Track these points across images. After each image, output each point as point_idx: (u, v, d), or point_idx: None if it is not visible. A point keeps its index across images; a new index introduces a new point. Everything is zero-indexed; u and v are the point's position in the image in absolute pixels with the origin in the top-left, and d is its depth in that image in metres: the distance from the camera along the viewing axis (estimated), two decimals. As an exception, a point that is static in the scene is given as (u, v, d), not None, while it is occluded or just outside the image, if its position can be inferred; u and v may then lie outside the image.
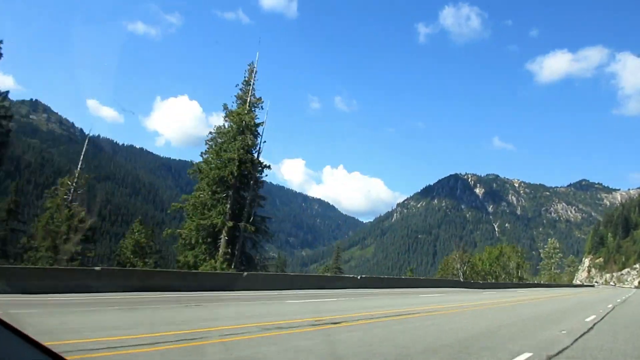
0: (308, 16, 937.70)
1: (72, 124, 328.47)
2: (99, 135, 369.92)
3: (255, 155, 37.18)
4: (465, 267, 77.99)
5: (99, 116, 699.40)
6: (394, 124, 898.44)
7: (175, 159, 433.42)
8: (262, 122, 38.01)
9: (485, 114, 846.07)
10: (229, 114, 37.10)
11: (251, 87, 37.88)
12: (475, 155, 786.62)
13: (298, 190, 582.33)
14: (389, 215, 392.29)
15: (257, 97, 38.44)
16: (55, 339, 5.93)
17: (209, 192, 35.26)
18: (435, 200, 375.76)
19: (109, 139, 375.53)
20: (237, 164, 34.76)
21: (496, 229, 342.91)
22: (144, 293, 15.36)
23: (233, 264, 34.10)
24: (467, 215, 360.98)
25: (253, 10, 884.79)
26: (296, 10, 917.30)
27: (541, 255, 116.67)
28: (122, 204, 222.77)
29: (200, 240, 34.51)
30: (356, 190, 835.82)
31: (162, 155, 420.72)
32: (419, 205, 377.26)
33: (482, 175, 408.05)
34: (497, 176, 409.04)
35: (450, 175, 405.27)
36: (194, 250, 34.08)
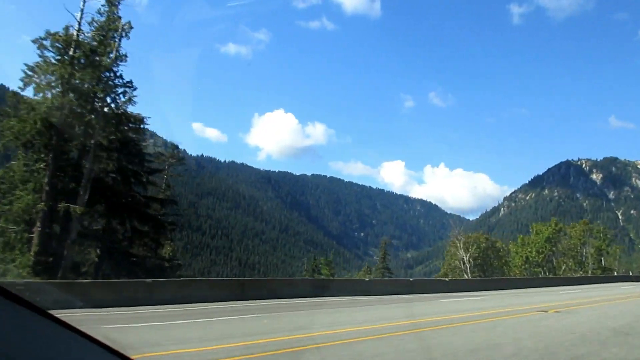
0: (392, 14, 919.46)
1: (177, 146, 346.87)
2: (202, 155, 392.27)
3: (106, 99, 25.64)
4: (468, 256, 57.19)
5: (204, 137, 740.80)
6: (495, 113, 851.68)
7: (274, 171, 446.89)
8: (122, 56, 25.85)
9: (597, 92, 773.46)
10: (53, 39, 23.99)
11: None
12: (588, 138, 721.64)
13: (399, 193, 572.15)
14: (495, 210, 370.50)
15: (126, 24, 26.41)
16: (139, 352, 6.47)
17: (27, 162, 24.15)
18: (546, 191, 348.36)
19: (211, 157, 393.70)
20: (43, 109, 23.14)
21: (620, 217, 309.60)
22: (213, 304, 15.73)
23: (61, 270, 22.74)
24: (584, 204, 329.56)
25: (337, 16, 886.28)
26: (380, 10, 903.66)
27: None
28: (223, 217, 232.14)
29: (14, 236, 23.34)
30: (461, 187, 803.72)
31: (261, 169, 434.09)
32: (527, 198, 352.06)
33: (599, 160, 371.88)
34: (616, 159, 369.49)
35: (561, 162, 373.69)
36: (8, 253, 22.95)
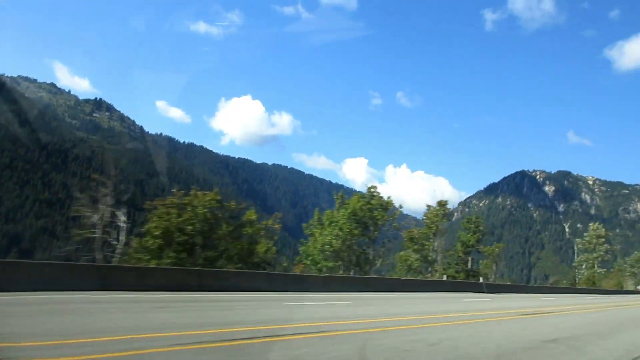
0: (368, 8, 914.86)
1: (133, 121, 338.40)
2: (160, 133, 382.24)
3: None
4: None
5: (168, 117, 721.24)
6: (460, 119, 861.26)
7: (234, 157, 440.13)
8: None
9: (559, 106, 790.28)
10: None
11: None
12: (546, 151, 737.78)
13: (359, 189, 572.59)
14: (449, 214, 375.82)
15: None
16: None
17: None
18: (500, 199, 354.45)
19: (169, 136, 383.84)
20: None
21: (567, 230, 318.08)
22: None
23: None
24: (535, 214, 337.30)
25: (312, 3, 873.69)
26: (356, 2, 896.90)
27: (576, 246, 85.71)
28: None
29: None
30: (420, 189, 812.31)
31: (221, 154, 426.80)
32: (481, 204, 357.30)
33: (552, 172, 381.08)
34: (569, 173, 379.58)
35: (517, 172, 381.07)
36: None
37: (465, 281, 42.26)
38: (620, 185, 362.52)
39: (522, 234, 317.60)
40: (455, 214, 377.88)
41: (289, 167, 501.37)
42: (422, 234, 47.92)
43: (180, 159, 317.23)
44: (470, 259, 50.97)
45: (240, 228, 32.72)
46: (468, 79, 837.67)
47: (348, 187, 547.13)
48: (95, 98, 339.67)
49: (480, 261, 54.62)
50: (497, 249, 57.15)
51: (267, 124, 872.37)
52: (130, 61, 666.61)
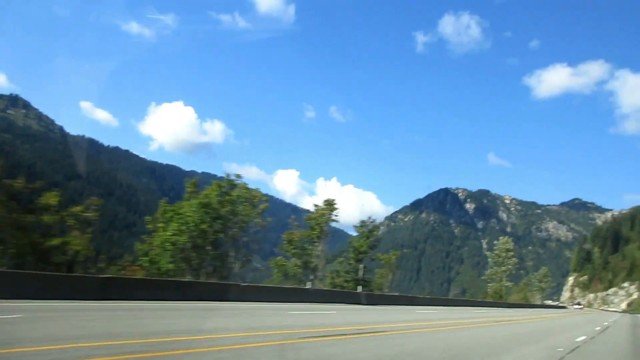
0: (305, 21, 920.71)
1: (53, 121, 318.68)
2: (83, 136, 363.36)
3: None
4: None
5: (93, 118, 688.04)
6: (390, 136, 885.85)
7: (162, 163, 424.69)
8: None
9: (482, 128, 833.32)
10: None
11: None
12: (469, 170, 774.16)
13: (289, 201, 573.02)
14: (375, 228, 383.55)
15: None
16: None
17: None
18: (424, 214, 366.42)
19: (92, 139, 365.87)
20: None
21: (484, 246, 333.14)
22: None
23: None
24: (456, 230, 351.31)
25: (249, 13, 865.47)
26: (293, 14, 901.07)
27: (489, 261, 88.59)
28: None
29: None
30: (349, 203, 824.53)
31: (148, 159, 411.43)
32: (406, 219, 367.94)
33: (473, 191, 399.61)
34: (488, 192, 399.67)
35: (441, 189, 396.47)
36: None
37: (339, 290, 37.32)
38: (534, 205, 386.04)
39: (443, 249, 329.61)
40: (381, 227, 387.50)
41: (218, 175, 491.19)
42: (304, 236, 41.77)
43: (103, 163, 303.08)
44: (361, 266, 44.15)
45: (31, 215, 24.28)
46: (398, 97, 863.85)
47: (278, 199, 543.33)
48: (11, 94, 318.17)
49: (376, 270, 49.16)
50: (393, 257, 52.20)
51: (199, 131, 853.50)
52: (53, 58, 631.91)
